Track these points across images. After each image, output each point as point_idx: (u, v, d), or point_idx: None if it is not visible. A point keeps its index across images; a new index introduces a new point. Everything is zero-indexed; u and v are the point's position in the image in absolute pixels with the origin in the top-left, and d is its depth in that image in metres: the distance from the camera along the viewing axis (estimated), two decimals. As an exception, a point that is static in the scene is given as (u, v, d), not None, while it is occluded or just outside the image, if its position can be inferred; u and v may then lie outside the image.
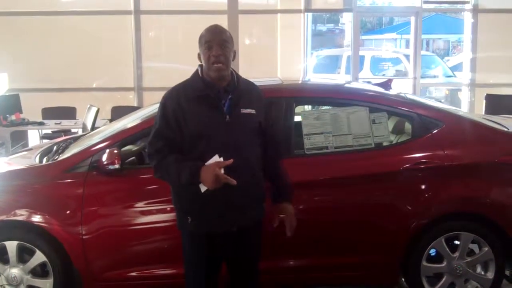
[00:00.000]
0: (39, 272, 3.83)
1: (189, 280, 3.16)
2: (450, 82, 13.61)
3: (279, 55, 10.56)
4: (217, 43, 2.92)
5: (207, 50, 2.93)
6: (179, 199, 3.05)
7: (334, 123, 3.92)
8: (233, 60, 3.01)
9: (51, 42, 10.10)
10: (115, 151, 3.63)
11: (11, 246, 3.75)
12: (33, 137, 9.28)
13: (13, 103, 8.63)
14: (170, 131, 2.94)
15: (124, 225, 3.74)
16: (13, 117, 8.31)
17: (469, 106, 10.50)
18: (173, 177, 2.92)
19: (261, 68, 10.19)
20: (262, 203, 3.15)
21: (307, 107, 4.85)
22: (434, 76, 13.84)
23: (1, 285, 3.80)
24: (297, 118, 4.01)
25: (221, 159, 2.82)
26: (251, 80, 3.79)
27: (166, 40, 10.60)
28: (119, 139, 3.84)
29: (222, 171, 2.80)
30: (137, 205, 3.69)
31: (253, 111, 3.01)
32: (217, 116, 2.93)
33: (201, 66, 3.03)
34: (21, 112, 8.55)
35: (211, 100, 2.93)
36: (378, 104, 4.00)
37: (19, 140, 8.53)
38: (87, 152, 3.85)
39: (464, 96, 10.94)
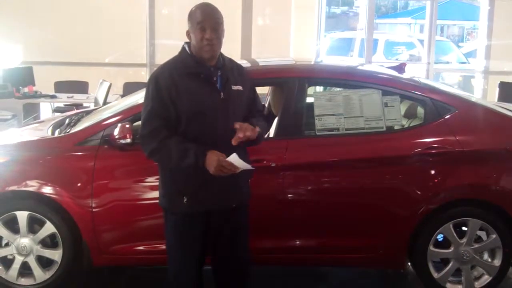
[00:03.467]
0: (49, 243, 3.88)
1: (176, 267, 3.11)
2: (464, 68, 13.51)
3: (292, 36, 10.50)
4: (211, 26, 2.88)
5: (199, 31, 2.88)
6: (174, 179, 2.98)
7: (346, 105, 3.90)
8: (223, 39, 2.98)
9: (66, 16, 10.09)
10: (127, 126, 3.63)
11: (22, 216, 3.79)
12: (45, 110, 9.32)
13: (26, 75, 8.65)
14: (165, 110, 2.88)
15: (134, 200, 3.77)
16: (26, 90, 8.33)
17: (482, 93, 10.42)
18: (174, 160, 2.85)
19: (273, 49, 10.13)
20: (249, 180, 3.15)
21: (319, 88, 4.85)
22: (448, 62, 13.74)
23: (11, 254, 3.85)
24: (309, 99, 4.01)
25: (238, 159, 2.79)
26: (265, 59, 3.78)
27: (179, 17, 10.53)
28: (131, 114, 3.84)
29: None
30: (147, 179, 3.71)
31: (240, 88, 3.02)
32: (212, 93, 2.92)
33: (188, 43, 3.00)
34: (34, 84, 8.57)
35: (204, 77, 2.92)
36: (391, 87, 3.98)
37: (31, 112, 8.55)
38: (99, 126, 3.87)
39: (478, 83, 10.87)
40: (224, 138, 2.88)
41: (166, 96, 2.88)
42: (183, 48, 3.02)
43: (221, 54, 3.04)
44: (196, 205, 2.97)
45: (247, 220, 3.18)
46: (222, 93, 2.93)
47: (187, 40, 3.02)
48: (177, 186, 2.98)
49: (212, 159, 2.79)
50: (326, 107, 3.91)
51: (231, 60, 3.12)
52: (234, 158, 2.79)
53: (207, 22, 2.87)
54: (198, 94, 2.90)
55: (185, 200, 2.95)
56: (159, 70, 2.99)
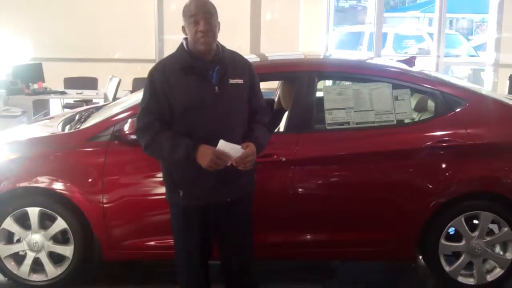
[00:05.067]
0: (60, 238, 3.89)
1: (179, 260, 3.16)
2: (474, 62, 13.41)
3: (300, 31, 10.48)
4: (203, 17, 2.88)
5: (193, 24, 2.89)
6: (170, 173, 3.03)
7: (356, 99, 3.88)
8: (218, 31, 2.97)
9: (74, 12, 10.13)
10: (137, 121, 3.63)
11: (33, 212, 3.80)
12: (55, 106, 9.36)
13: (36, 72, 8.69)
14: (159, 105, 2.91)
15: (144, 195, 3.78)
16: (36, 86, 8.37)
17: (492, 86, 10.36)
18: (166, 153, 2.90)
19: (282, 43, 10.12)
20: (253, 174, 3.14)
21: (329, 82, 4.83)
22: (457, 56, 13.65)
23: (23, 250, 3.87)
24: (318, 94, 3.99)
25: (227, 144, 2.79)
26: (275, 53, 3.73)
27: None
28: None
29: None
30: (157, 175, 3.67)
31: (240, 81, 3.00)
32: (206, 87, 2.91)
33: (186, 39, 3.00)
34: (43, 81, 8.61)
35: (198, 71, 2.91)
36: (401, 80, 3.96)
37: (41, 108, 8.59)
38: (109, 122, 3.88)
39: (488, 76, 10.80)
40: (219, 132, 2.88)
41: (160, 91, 2.91)
42: (181, 43, 3.03)
43: (222, 47, 3.03)
44: (191, 198, 2.99)
45: (248, 215, 3.18)
46: (216, 88, 2.92)
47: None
48: (173, 180, 3.02)
49: (206, 153, 2.81)
50: (336, 101, 3.89)
51: (233, 53, 3.10)
52: (223, 145, 2.78)
53: (199, 15, 2.88)
54: (190, 89, 2.90)
55: (181, 193, 2.99)
56: (156, 66, 3.01)
